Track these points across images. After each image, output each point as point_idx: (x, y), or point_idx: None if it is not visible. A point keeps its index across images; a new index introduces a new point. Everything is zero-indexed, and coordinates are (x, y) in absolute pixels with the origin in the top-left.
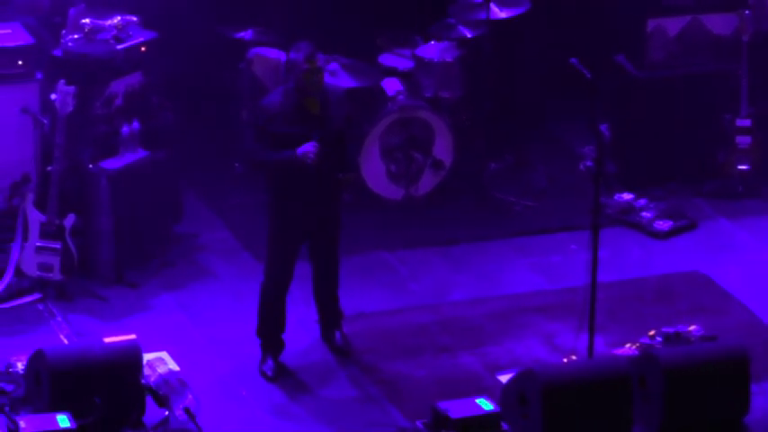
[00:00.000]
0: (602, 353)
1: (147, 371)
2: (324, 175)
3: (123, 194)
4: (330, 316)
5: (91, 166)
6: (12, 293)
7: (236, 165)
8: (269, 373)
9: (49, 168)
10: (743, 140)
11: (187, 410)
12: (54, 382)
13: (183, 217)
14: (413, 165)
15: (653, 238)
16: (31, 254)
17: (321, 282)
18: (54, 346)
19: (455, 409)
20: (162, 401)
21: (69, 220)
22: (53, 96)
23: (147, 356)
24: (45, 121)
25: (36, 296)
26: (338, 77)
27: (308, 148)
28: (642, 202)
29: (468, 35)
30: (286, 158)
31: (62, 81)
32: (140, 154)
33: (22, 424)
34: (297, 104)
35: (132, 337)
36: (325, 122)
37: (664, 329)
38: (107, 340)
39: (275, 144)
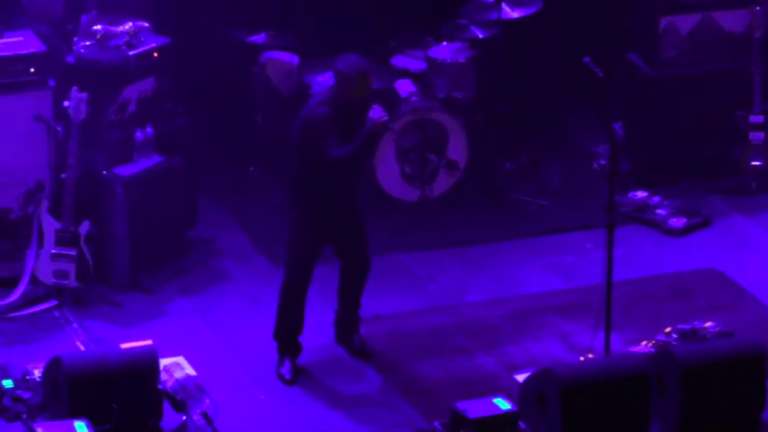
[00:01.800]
0: (618, 351)
1: (164, 376)
2: (353, 179)
3: (138, 200)
4: (350, 319)
5: (105, 172)
6: (28, 301)
7: (252, 169)
8: (287, 376)
9: (63, 175)
10: (756, 137)
11: (205, 415)
12: (71, 389)
13: (199, 222)
14: (427, 166)
15: (668, 235)
16: (46, 261)
17: (348, 280)
18: (71, 353)
19: (473, 408)
20: (179, 406)
21: (84, 227)
22: (66, 103)
23: (163, 362)
24: (58, 129)
25: (52, 303)
26: None
27: (382, 115)
28: (656, 199)
29: (481, 36)
30: (365, 136)
31: (75, 88)
32: (155, 160)
33: (39, 431)
34: (345, 114)
35: (149, 342)
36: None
37: (680, 326)
38: (124, 346)
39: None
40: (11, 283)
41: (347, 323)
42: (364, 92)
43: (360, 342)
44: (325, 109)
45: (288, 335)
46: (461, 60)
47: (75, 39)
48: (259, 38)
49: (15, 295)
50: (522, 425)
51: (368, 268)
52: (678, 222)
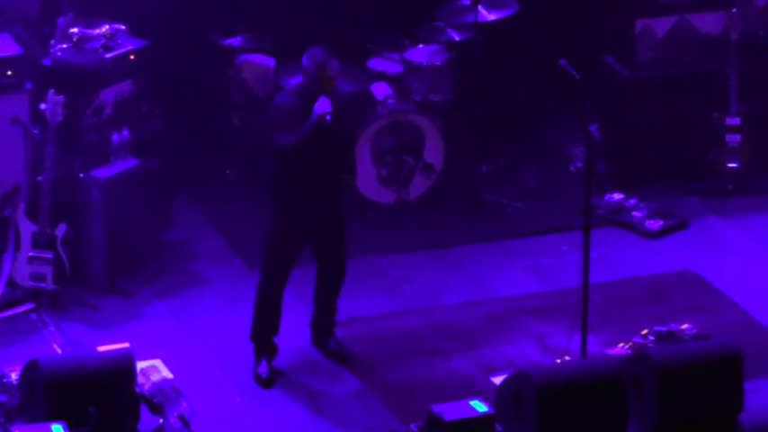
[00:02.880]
0: (595, 353)
1: (140, 379)
2: (333, 176)
3: (115, 203)
4: (325, 322)
5: (82, 175)
6: (5, 304)
7: (228, 171)
8: (263, 377)
9: (40, 178)
10: (733, 139)
11: (182, 418)
12: (48, 392)
13: (175, 225)
14: (404, 168)
15: (644, 237)
16: (23, 264)
17: (325, 287)
18: (48, 356)
19: (449, 411)
20: (156, 409)
21: (61, 230)
22: (43, 106)
23: (140, 365)
24: (35, 131)
25: (29, 306)
26: None
27: (325, 107)
28: (633, 201)
29: (457, 38)
30: (309, 127)
31: (52, 91)
32: (131, 162)
33: None
34: (308, 108)
35: (126, 345)
36: (336, 129)
37: (656, 328)
38: (100, 349)
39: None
40: None
41: (323, 326)
42: (326, 83)
43: (336, 345)
44: (289, 98)
45: (264, 336)
46: (438, 63)
47: (52, 41)
48: (235, 40)
49: None
50: (498, 428)
51: (344, 272)
52: (655, 224)
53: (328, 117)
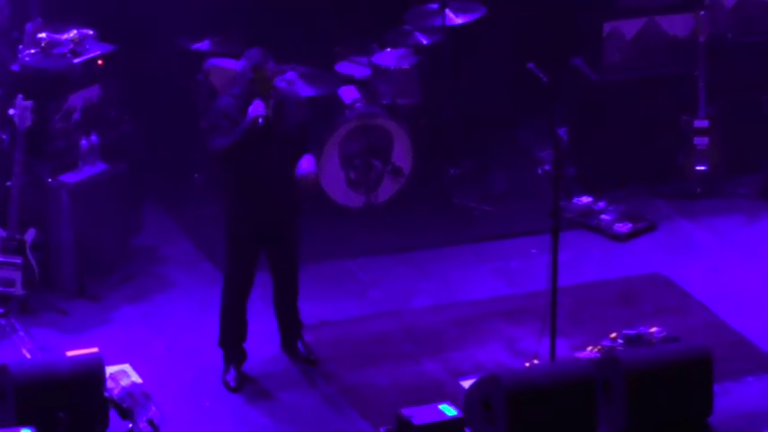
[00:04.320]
0: (564, 356)
1: (110, 384)
2: (280, 180)
3: (83, 208)
4: (290, 327)
5: (50, 180)
6: None
7: (196, 176)
8: (232, 384)
9: (9, 183)
10: (701, 141)
11: (151, 422)
12: (18, 397)
13: (144, 229)
14: (372, 172)
15: (613, 240)
16: None
17: (280, 292)
18: (17, 361)
19: (418, 415)
20: (125, 414)
21: (30, 235)
22: (11, 111)
23: (109, 369)
24: (4, 137)
25: None
26: (295, 86)
27: (258, 110)
28: (601, 204)
29: (425, 42)
30: (242, 130)
31: (20, 96)
32: (99, 167)
33: None
34: (245, 110)
35: (95, 350)
36: (278, 128)
37: (625, 332)
38: (70, 354)
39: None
40: None
41: (289, 331)
42: (263, 84)
43: (305, 349)
44: (227, 101)
45: (232, 342)
46: (405, 66)
47: (21, 47)
48: (203, 45)
49: None
50: (467, 431)
51: (296, 278)
52: (623, 227)
53: (261, 120)
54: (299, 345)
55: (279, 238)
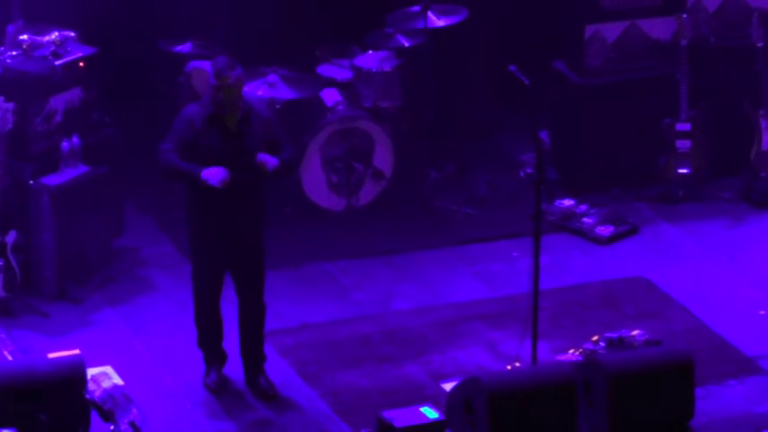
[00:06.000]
0: (546, 359)
1: (91, 386)
2: (239, 198)
3: (65, 210)
4: (253, 359)
5: (32, 182)
6: None
7: None
8: (212, 386)
9: None
10: (683, 144)
11: (132, 425)
12: None
13: (126, 231)
14: (353, 175)
15: (595, 243)
16: None
17: (244, 322)
18: None
19: (400, 418)
20: (107, 416)
21: (11, 237)
22: None
23: (91, 371)
24: None
25: None
26: (277, 89)
27: (219, 176)
28: (583, 207)
29: (407, 44)
30: (188, 174)
31: (1, 98)
32: (81, 169)
33: None
34: (212, 118)
35: (76, 352)
36: (243, 140)
37: (607, 335)
38: (51, 356)
39: (188, 154)
40: None
41: (251, 360)
42: (227, 91)
43: (266, 384)
44: (193, 108)
45: (209, 343)
46: (387, 69)
47: (1, 49)
48: (185, 47)
49: None
50: None
51: (263, 313)
52: (605, 230)
53: (216, 184)
54: (260, 379)
55: (243, 262)
